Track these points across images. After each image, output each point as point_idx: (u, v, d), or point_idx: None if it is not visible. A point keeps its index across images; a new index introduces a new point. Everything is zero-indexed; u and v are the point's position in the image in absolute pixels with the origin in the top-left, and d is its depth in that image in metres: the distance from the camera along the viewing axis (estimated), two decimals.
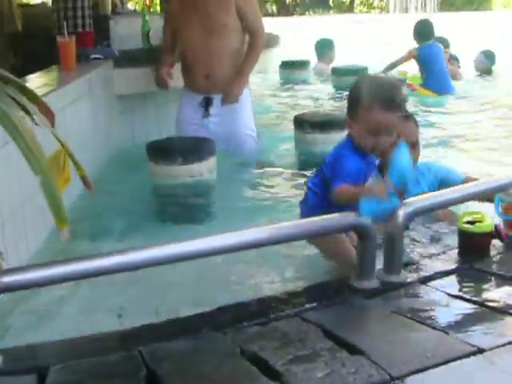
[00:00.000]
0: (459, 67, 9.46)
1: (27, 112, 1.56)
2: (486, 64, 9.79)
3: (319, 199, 2.75)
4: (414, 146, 3.08)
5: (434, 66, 8.19)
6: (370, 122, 2.59)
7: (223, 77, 4.87)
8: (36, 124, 1.55)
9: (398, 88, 2.73)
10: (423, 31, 8.30)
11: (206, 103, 4.98)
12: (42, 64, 4.96)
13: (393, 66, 8.39)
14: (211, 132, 4.81)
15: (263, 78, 9.29)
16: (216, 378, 1.76)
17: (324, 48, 10.11)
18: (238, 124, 5.03)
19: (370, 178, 2.55)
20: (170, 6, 5.24)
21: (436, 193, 2.67)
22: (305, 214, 2.78)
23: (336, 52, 10.07)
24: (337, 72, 9.03)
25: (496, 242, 2.66)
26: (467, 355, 1.83)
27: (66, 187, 3.74)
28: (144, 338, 2.04)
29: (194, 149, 4.38)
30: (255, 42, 4.97)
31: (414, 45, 8.30)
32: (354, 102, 2.67)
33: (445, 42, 9.09)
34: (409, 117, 3.27)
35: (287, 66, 9.88)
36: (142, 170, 4.55)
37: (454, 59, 9.34)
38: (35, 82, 4.22)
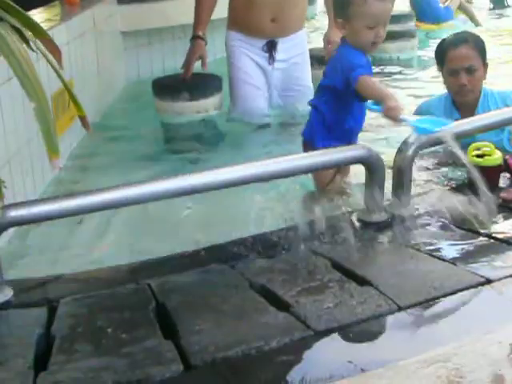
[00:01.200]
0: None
1: (27, 43, 1.53)
2: None
3: (326, 114, 2.78)
4: (470, 71, 3.04)
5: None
6: (367, 15, 2.59)
7: (292, 18, 4.16)
8: (33, 51, 1.52)
9: None
10: None
11: (271, 47, 4.22)
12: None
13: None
14: (275, 80, 4.29)
15: None
16: (224, 309, 1.77)
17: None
18: (306, 75, 4.39)
19: None
20: None
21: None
22: (308, 138, 2.86)
23: None
24: None
25: (506, 175, 2.64)
26: (475, 286, 1.84)
27: (71, 124, 3.73)
28: (153, 271, 2.05)
29: (200, 85, 4.35)
30: None
31: None
32: (344, 1, 2.67)
33: None
34: (462, 41, 3.23)
35: None
36: (148, 107, 4.53)
37: None
38: (37, 16, 4.15)
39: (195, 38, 4.22)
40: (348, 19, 2.65)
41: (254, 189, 2.47)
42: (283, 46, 4.20)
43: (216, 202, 2.67)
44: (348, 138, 2.74)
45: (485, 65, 3.23)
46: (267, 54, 4.20)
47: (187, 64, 4.24)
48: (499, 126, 2.73)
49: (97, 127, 4.10)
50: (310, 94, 4.11)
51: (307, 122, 2.91)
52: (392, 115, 2.43)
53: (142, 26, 5.66)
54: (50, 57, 1.63)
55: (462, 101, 3.28)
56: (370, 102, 2.62)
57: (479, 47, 3.23)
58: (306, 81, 4.35)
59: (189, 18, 5.12)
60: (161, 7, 5.68)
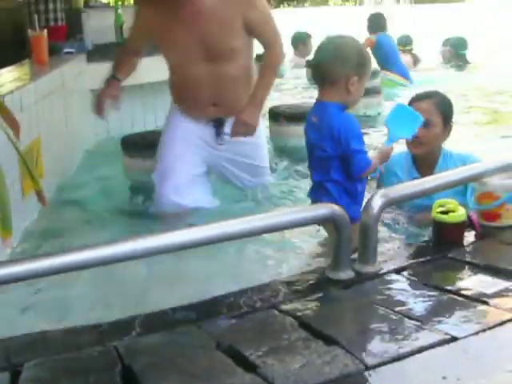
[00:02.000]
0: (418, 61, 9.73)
1: None
2: (451, 52, 10.03)
3: (345, 184, 2.82)
4: (426, 124, 3.10)
5: (393, 55, 8.38)
6: (367, 77, 2.86)
7: (236, 100, 3.79)
8: None
9: None
10: (378, 22, 8.49)
11: (219, 124, 3.87)
12: (14, 59, 4.91)
13: None
14: (224, 155, 3.93)
15: None
16: (192, 370, 1.76)
17: (299, 41, 10.15)
18: (258, 154, 4.05)
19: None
20: (143, 13, 3.80)
21: (410, 183, 2.68)
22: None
23: (312, 45, 10.10)
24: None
25: (470, 232, 2.67)
26: (441, 343, 1.85)
27: (39, 180, 3.71)
28: (119, 332, 2.03)
29: None
30: (271, 60, 3.87)
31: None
32: (364, 62, 2.83)
33: (408, 40, 9.38)
34: (426, 96, 3.31)
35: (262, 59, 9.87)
36: (117, 164, 4.54)
37: (415, 58, 9.57)
38: (7, 76, 4.18)
39: (112, 77, 3.99)
40: (361, 77, 2.80)
41: (218, 247, 2.47)
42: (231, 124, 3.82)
43: (187, 259, 2.67)
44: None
45: (447, 125, 3.31)
46: (215, 129, 3.87)
47: (97, 103, 3.95)
48: (459, 184, 2.77)
49: (63, 186, 4.10)
50: (265, 174, 4.05)
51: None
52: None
53: None
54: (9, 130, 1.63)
55: (417, 155, 3.36)
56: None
57: (443, 106, 3.31)
58: (259, 160, 4.04)
59: (158, 76, 5.19)
60: None
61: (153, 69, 5.12)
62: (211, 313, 2.10)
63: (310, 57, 9.65)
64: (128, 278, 2.77)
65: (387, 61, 8.39)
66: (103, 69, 5.62)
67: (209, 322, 2.03)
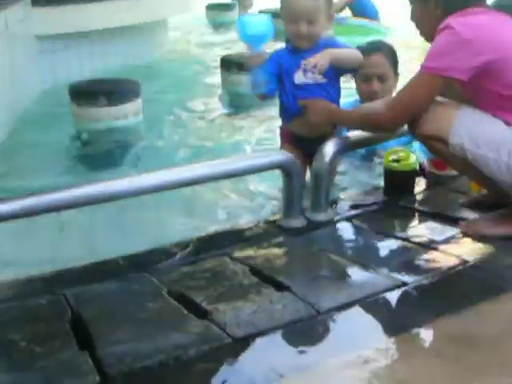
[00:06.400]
0: None
1: None
2: None
3: None
4: (382, 79, 3.06)
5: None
6: (287, 10, 2.64)
7: None
8: None
9: None
10: None
11: None
12: None
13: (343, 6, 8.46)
14: None
15: (189, 19, 9.15)
16: (143, 318, 1.74)
17: None
18: None
19: None
20: None
21: (360, 132, 2.66)
22: None
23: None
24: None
25: (421, 180, 2.70)
26: (391, 289, 1.87)
27: None
28: (68, 281, 2.00)
29: (118, 90, 4.29)
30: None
31: None
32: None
33: None
34: (376, 49, 3.25)
35: (214, 8, 9.76)
36: (64, 113, 4.43)
37: None
38: None
39: None
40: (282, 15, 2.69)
41: (166, 195, 2.43)
42: None
43: (137, 207, 2.64)
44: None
45: (396, 75, 3.30)
46: None
47: None
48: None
49: (10, 133, 3.99)
50: None
51: None
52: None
53: (58, 29, 5.54)
54: None
55: None
56: None
57: (392, 57, 3.29)
58: None
59: (106, 22, 5.06)
60: (77, 10, 5.58)
61: (104, 14, 4.99)
62: (162, 260, 2.08)
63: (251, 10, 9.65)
64: (77, 228, 2.72)
65: (366, 9, 8.35)
66: (49, 13, 5.50)
67: (160, 270, 2.01)
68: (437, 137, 2.18)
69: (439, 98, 2.24)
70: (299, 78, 2.59)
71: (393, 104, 2.30)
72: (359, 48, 3.25)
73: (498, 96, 2.13)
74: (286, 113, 2.69)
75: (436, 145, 2.21)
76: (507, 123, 2.13)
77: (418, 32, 2.40)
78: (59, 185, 3.04)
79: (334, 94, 2.63)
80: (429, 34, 2.29)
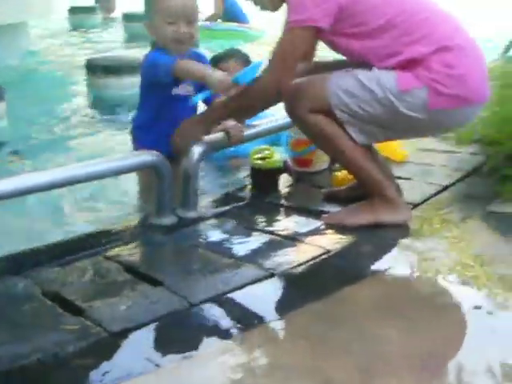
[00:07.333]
0: None
1: None
2: None
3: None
4: None
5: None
6: (165, 9, 2.56)
7: None
8: None
9: None
10: None
11: None
12: None
13: (217, 16, 8.58)
14: None
15: (50, 23, 8.97)
16: (19, 319, 1.75)
17: None
18: None
19: None
20: None
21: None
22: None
23: (115, 0, 9.95)
24: (128, 18, 8.94)
25: (285, 177, 2.83)
26: (260, 279, 1.97)
27: None
28: None
29: None
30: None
31: None
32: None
33: None
34: (229, 56, 3.33)
35: (76, 11, 9.61)
36: None
37: None
38: None
39: None
40: (152, 18, 2.60)
41: (40, 196, 2.42)
42: None
43: (3, 210, 2.59)
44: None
45: None
46: None
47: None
48: (272, 133, 2.88)
49: None
50: None
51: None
52: (225, 86, 2.37)
53: None
54: None
55: None
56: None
57: (245, 63, 3.40)
58: None
59: None
60: None
61: None
62: (36, 262, 2.08)
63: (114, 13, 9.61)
64: None
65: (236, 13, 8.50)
66: None
67: (34, 271, 2.01)
68: (317, 106, 2.28)
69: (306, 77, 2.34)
70: (175, 89, 2.61)
71: (270, 64, 2.33)
72: (215, 57, 3.36)
73: (357, 39, 2.28)
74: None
75: (315, 120, 2.30)
76: (370, 64, 2.28)
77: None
78: None
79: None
80: (278, 3, 2.40)
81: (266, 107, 2.46)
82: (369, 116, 2.27)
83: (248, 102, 2.39)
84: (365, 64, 2.29)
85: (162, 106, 2.63)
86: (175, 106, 2.62)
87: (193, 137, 2.46)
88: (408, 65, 2.23)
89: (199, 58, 2.68)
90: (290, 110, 2.37)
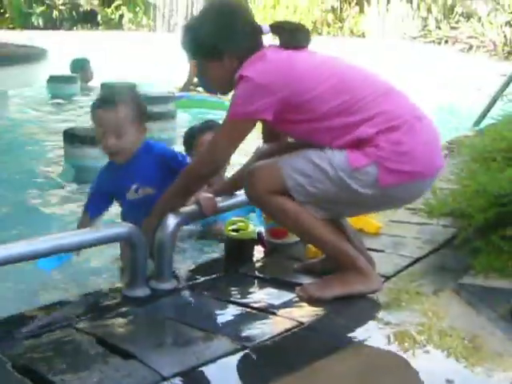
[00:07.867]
0: None
1: None
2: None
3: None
4: None
5: None
6: (94, 123, 2.72)
7: None
8: None
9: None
10: None
11: None
12: None
13: (189, 83, 8.66)
14: None
15: (30, 92, 9.05)
16: None
17: (78, 67, 10.02)
18: None
19: None
20: None
21: None
22: None
23: (92, 70, 10.03)
24: (106, 88, 9.03)
25: (259, 248, 2.84)
26: (233, 352, 1.97)
27: None
28: None
29: None
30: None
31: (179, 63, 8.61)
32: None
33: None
34: (209, 128, 3.40)
35: (55, 80, 9.69)
36: None
37: None
38: None
39: None
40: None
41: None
42: None
43: None
44: None
45: None
46: None
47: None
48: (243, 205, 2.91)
49: None
50: None
51: None
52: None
53: None
54: None
55: None
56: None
57: None
58: None
59: None
60: None
61: None
62: (5, 333, 2.06)
63: (92, 82, 9.71)
64: None
65: None
66: None
67: (4, 343, 1.99)
68: (274, 189, 2.33)
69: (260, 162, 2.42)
70: (130, 195, 2.71)
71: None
72: (192, 128, 3.44)
73: (304, 124, 2.35)
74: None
75: (276, 199, 2.34)
76: (320, 145, 2.34)
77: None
78: None
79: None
80: (229, 86, 2.48)
81: (202, 186, 2.59)
82: (324, 194, 2.32)
83: (186, 185, 2.51)
84: (316, 144, 2.36)
85: (124, 209, 2.81)
86: (132, 209, 2.73)
87: (147, 230, 2.46)
88: (357, 143, 2.30)
89: (153, 149, 2.74)
90: (249, 194, 2.43)
